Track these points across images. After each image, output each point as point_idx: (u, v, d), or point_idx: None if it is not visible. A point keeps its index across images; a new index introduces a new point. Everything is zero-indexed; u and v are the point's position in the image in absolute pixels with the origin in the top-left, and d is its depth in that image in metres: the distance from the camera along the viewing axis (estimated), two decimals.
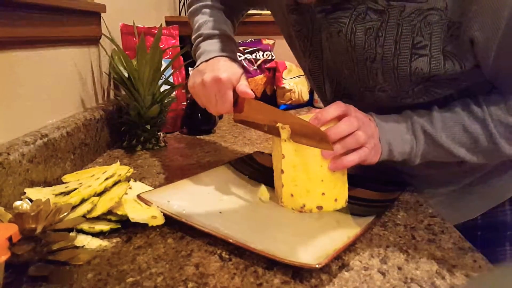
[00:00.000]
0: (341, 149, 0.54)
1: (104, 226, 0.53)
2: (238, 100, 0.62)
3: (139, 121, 0.91)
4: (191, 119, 1.08)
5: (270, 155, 0.65)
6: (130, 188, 0.62)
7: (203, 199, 0.62)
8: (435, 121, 0.57)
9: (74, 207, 0.54)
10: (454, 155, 0.57)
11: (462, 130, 0.56)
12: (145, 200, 0.57)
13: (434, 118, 0.57)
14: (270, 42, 1.57)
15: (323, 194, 0.58)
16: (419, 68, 0.54)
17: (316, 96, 1.50)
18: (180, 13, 1.80)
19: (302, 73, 1.47)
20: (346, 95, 0.66)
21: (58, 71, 0.79)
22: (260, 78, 1.50)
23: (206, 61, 0.66)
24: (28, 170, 0.62)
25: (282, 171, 0.58)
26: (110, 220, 0.55)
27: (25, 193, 0.60)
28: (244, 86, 0.61)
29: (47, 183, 0.66)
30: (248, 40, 1.57)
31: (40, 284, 0.43)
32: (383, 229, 0.55)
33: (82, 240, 0.51)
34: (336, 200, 0.59)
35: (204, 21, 0.74)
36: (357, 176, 0.64)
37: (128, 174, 0.64)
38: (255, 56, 1.52)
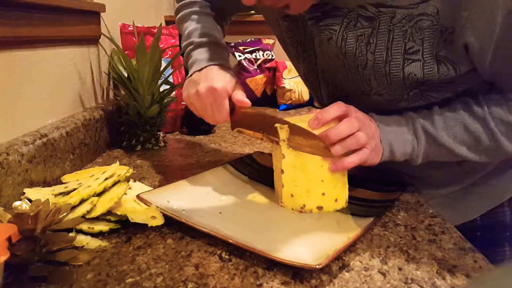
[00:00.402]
0: (341, 150, 0.54)
1: (103, 227, 0.53)
2: (234, 109, 0.63)
3: (138, 121, 0.91)
4: (191, 119, 1.08)
5: (270, 155, 0.64)
6: (129, 188, 0.62)
7: (203, 199, 0.62)
8: (436, 120, 0.57)
9: (73, 207, 0.54)
10: (456, 155, 0.57)
11: (463, 129, 0.56)
12: (145, 201, 0.57)
13: (435, 117, 0.57)
14: (270, 41, 1.57)
15: (323, 194, 0.57)
16: (412, 73, 0.54)
17: None
18: None
19: None
20: (342, 98, 0.66)
21: (57, 71, 0.79)
22: (260, 78, 1.50)
23: (199, 70, 0.65)
24: (27, 170, 0.61)
25: (282, 171, 0.58)
26: (109, 221, 0.54)
27: (24, 193, 0.60)
28: (240, 95, 0.61)
29: (46, 183, 0.66)
30: (248, 40, 1.57)
31: (40, 285, 0.43)
32: (384, 229, 0.55)
33: (82, 241, 0.50)
34: (336, 200, 0.59)
35: (193, 28, 0.74)
36: (358, 177, 0.64)
37: (128, 174, 0.64)
38: (255, 55, 1.52)
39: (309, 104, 1.51)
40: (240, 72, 1.50)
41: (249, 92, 1.50)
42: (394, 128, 0.58)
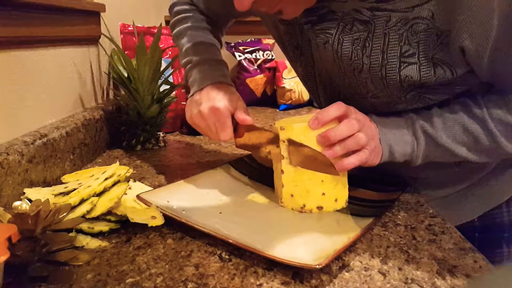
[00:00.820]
0: (341, 150, 0.54)
1: (103, 227, 0.53)
2: (237, 126, 0.64)
3: (138, 121, 0.91)
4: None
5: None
6: (129, 188, 0.62)
7: (203, 199, 0.62)
8: (435, 121, 0.57)
9: (73, 207, 0.54)
10: (455, 155, 0.57)
11: (462, 130, 0.56)
12: (145, 201, 0.57)
13: (434, 118, 0.57)
14: (270, 41, 1.57)
15: (323, 194, 0.57)
16: (409, 76, 0.54)
17: None
18: None
19: None
20: (340, 101, 0.66)
21: (57, 71, 0.79)
22: (260, 78, 1.50)
23: (200, 90, 0.66)
24: (27, 170, 0.61)
25: (282, 171, 0.58)
26: (109, 221, 0.54)
27: (24, 193, 0.60)
28: (242, 113, 0.62)
29: (46, 183, 0.66)
30: (248, 40, 1.57)
31: (40, 285, 0.43)
32: (384, 229, 0.55)
33: (82, 241, 0.50)
34: (336, 200, 0.59)
35: (191, 46, 0.75)
36: (358, 177, 0.64)
37: (128, 174, 0.64)
38: (255, 55, 1.52)
39: (309, 104, 1.51)
40: (240, 72, 1.50)
41: (249, 92, 1.50)
42: (394, 129, 0.58)
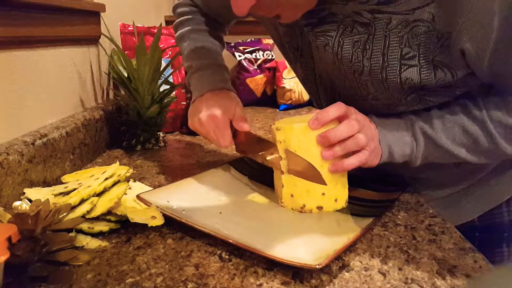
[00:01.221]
0: (340, 151, 0.54)
1: (103, 227, 0.53)
2: (237, 132, 0.65)
3: (138, 121, 0.91)
4: None
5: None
6: (129, 188, 0.62)
7: (203, 199, 0.62)
8: (435, 122, 0.57)
9: (73, 207, 0.54)
10: (455, 156, 0.57)
11: (461, 131, 0.56)
12: (145, 201, 0.57)
13: (433, 119, 0.57)
14: (270, 41, 1.57)
15: (323, 194, 0.57)
16: (409, 79, 0.54)
17: None
18: None
19: None
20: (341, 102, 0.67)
21: (57, 71, 0.79)
22: (260, 78, 1.50)
23: (201, 96, 0.69)
24: (27, 170, 0.61)
25: (282, 172, 0.58)
26: (109, 221, 0.54)
27: (24, 193, 0.60)
28: (240, 120, 0.64)
29: (46, 183, 0.66)
30: (248, 40, 1.57)
31: (40, 285, 0.43)
32: (384, 229, 0.55)
33: (82, 241, 0.50)
34: (336, 200, 0.58)
35: (192, 49, 0.77)
36: (358, 177, 0.64)
37: (128, 174, 0.64)
38: (255, 55, 1.52)
39: (309, 104, 1.51)
40: (240, 72, 1.50)
41: (249, 92, 1.50)
42: (393, 130, 0.58)
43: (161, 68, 0.90)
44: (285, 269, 0.45)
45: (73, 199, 0.54)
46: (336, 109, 0.54)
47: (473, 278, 0.45)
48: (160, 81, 0.91)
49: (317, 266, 0.43)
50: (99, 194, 0.57)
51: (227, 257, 0.48)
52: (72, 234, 0.51)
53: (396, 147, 0.57)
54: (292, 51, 0.68)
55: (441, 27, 0.49)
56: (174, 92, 1.01)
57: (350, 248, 0.50)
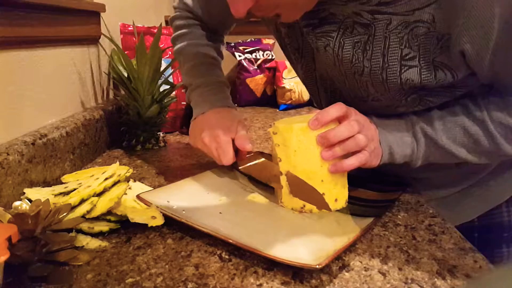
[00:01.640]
0: (340, 151, 0.54)
1: (103, 227, 0.53)
2: (239, 150, 0.67)
3: (138, 121, 0.91)
4: (191, 119, 1.08)
5: (270, 155, 0.64)
6: (129, 188, 0.62)
7: (203, 199, 0.62)
8: (435, 123, 0.57)
9: (73, 208, 0.54)
10: (455, 156, 0.57)
11: (462, 132, 0.56)
12: (145, 201, 0.57)
13: (434, 120, 0.57)
14: (270, 41, 1.57)
15: (323, 194, 0.57)
16: (409, 80, 0.53)
17: None
18: None
19: None
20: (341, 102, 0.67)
21: (57, 71, 0.79)
22: (260, 78, 1.50)
23: (202, 113, 0.71)
24: (27, 170, 0.61)
25: (281, 173, 0.58)
26: (109, 221, 0.54)
27: (24, 193, 0.60)
28: (241, 140, 0.65)
29: (46, 183, 0.66)
30: (248, 40, 1.57)
31: (40, 285, 0.43)
32: (384, 229, 0.55)
33: (82, 241, 0.50)
34: (336, 200, 0.58)
35: (191, 66, 0.78)
36: (358, 177, 0.64)
37: (128, 174, 0.64)
38: (255, 55, 1.52)
39: (309, 104, 1.51)
40: (240, 72, 1.51)
41: (249, 92, 1.50)
42: (394, 130, 0.58)
43: (161, 68, 0.90)
44: (285, 269, 0.45)
45: (73, 199, 0.54)
46: (336, 109, 0.54)
47: (473, 278, 0.45)
48: (160, 81, 0.91)
49: (317, 266, 0.43)
50: (99, 194, 0.57)
51: (227, 257, 0.48)
52: (72, 234, 0.51)
53: (397, 148, 0.57)
54: (293, 52, 0.68)
55: (441, 28, 0.49)
56: (174, 92, 1.01)
57: (350, 248, 0.50)
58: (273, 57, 1.54)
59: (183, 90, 1.12)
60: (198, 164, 0.83)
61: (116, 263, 0.47)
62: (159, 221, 0.53)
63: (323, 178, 0.57)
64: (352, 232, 0.52)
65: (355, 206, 0.60)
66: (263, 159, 0.68)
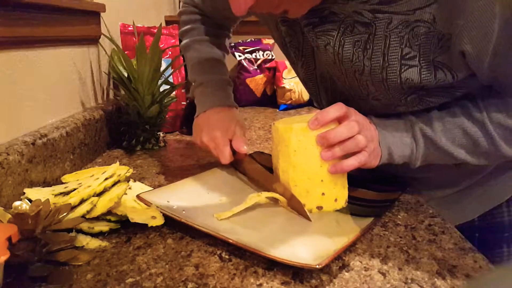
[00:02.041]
0: (340, 152, 0.54)
1: (103, 227, 0.53)
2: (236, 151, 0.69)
3: (138, 121, 0.91)
4: (191, 119, 1.08)
5: (270, 155, 0.64)
6: (129, 188, 0.62)
7: (203, 199, 0.62)
8: (435, 124, 0.57)
9: (73, 207, 0.54)
10: (454, 158, 0.57)
11: (461, 133, 0.56)
12: (145, 201, 0.57)
13: (433, 121, 0.57)
14: (270, 41, 1.57)
15: (323, 194, 0.57)
16: (409, 79, 0.54)
17: None
18: None
19: None
20: (341, 102, 0.67)
21: (57, 71, 0.79)
22: (260, 78, 1.50)
23: (204, 112, 0.74)
24: (27, 170, 0.61)
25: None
26: (109, 221, 0.54)
27: (24, 193, 0.60)
28: (238, 141, 0.68)
29: (46, 183, 0.66)
30: (248, 40, 1.56)
31: (40, 285, 0.43)
32: (384, 229, 0.55)
33: (82, 241, 0.50)
34: (336, 200, 0.58)
35: (196, 63, 0.80)
36: (358, 177, 0.64)
37: (128, 174, 0.64)
38: (255, 55, 1.52)
39: (309, 104, 1.51)
40: (240, 72, 1.50)
41: (249, 92, 1.50)
42: (393, 131, 0.58)
43: (161, 68, 0.90)
44: (285, 269, 0.45)
45: (73, 199, 0.54)
46: (336, 109, 0.54)
47: (473, 278, 0.45)
48: (160, 81, 0.91)
49: (317, 266, 0.43)
50: (99, 194, 0.57)
51: (227, 257, 0.49)
52: (72, 234, 0.51)
53: (396, 148, 0.57)
54: (294, 51, 0.68)
55: (441, 28, 0.49)
56: (174, 92, 1.01)
57: (350, 248, 0.50)
58: (273, 57, 1.54)
59: (183, 90, 1.12)
60: (198, 164, 0.83)
61: (116, 263, 0.47)
62: (159, 221, 0.53)
63: (322, 178, 0.57)
64: (352, 232, 0.52)
65: (355, 206, 0.60)
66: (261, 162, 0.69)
